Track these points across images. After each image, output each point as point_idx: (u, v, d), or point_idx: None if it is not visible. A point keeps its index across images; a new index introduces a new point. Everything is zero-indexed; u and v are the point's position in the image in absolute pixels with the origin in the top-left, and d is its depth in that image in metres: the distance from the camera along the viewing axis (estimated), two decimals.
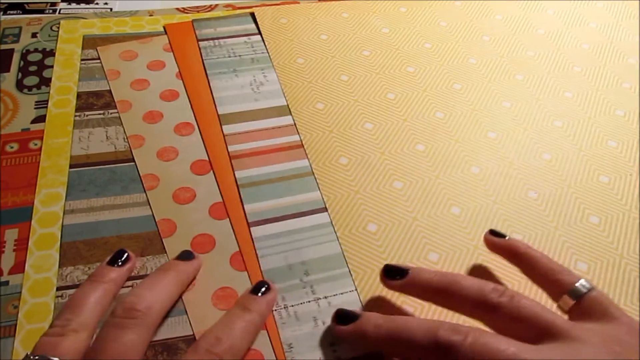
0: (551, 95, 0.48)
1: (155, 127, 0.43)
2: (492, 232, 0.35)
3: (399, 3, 0.56)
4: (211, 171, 0.41)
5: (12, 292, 0.34)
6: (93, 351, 0.28)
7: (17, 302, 0.33)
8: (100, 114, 0.44)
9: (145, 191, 0.39)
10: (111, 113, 0.44)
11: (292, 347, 0.32)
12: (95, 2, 0.56)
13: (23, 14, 0.54)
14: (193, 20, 0.52)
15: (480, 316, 0.29)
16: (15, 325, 0.32)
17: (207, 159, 0.41)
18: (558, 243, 0.38)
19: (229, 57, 0.48)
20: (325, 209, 0.38)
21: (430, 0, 0.56)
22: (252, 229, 0.37)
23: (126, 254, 0.34)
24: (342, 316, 0.31)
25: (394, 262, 0.36)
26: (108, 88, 0.46)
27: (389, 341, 0.29)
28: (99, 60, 0.48)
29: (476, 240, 0.37)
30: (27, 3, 0.55)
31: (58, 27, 0.51)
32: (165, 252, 0.36)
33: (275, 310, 0.33)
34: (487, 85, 0.48)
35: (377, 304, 0.34)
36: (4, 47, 0.49)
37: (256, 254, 0.36)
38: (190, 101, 0.45)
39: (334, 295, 0.34)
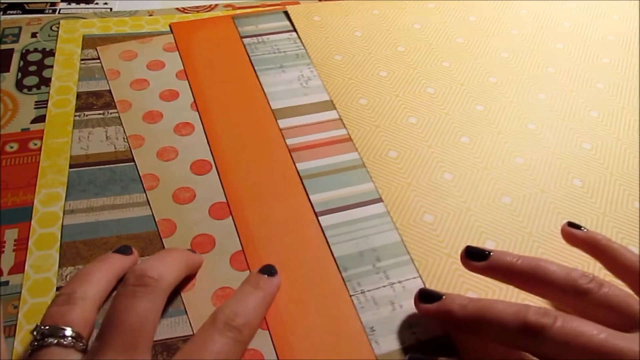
0: (584, 86, 0.50)
1: (155, 127, 0.43)
2: (570, 224, 0.35)
3: None
4: (211, 171, 0.41)
5: (12, 292, 0.34)
6: (108, 322, 0.28)
7: (17, 302, 0.33)
8: (100, 113, 0.44)
9: (145, 191, 0.39)
10: (111, 113, 0.44)
11: (373, 330, 0.33)
12: (95, 2, 0.56)
13: (23, 13, 0.54)
14: (234, 17, 0.52)
15: (568, 301, 0.29)
16: (15, 325, 0.32)
17: (207, 159, 0.41)
18: (607, 228, 0.39)
19: (274, 53, 0.49)
20: (380, 200, 0.39)
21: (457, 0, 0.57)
22: (320, 218, 0.38)
23: (131, 249, 0.34)
24: (426, 295, 0.31)
25: (453, 251, 0.36)
26: (108, 88, 0.46)
27: (474, 321, 0.29)
28: (98, 60, 0.48)
29: (529, 228, 0.38)
30: (27, 3, 0.55)
31: (58, 27, 0.51)
32: None
33: (353, 295, 0.34)
34: (521, 77, 0.50)
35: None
36: (3, 47, 0.49)
37: (327, 242, 0.37)
38: (195, 99, 0.45)
39: (407, 280, 0.35)
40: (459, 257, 0.33)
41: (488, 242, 0.37)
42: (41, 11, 0.54)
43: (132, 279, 0.29)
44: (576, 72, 0.51)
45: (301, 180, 0.40)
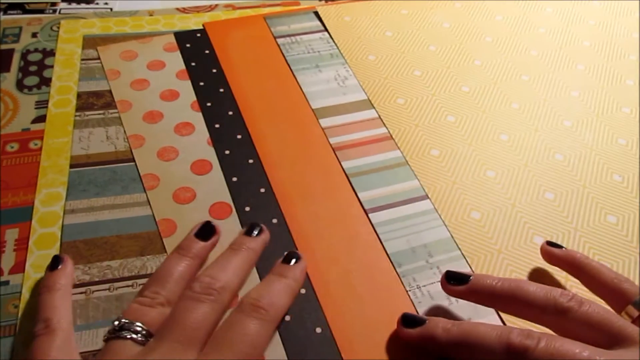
0: (614, 84, 0.50)
1: (156, 127, 0.43)
2: (550, 243, 0.35)
3: None
4: (212, 171, 0.41)
5: (12, 291, 0.34)
6: (171, 319, 0.29)
7: (17, 301, 0.33)
8: (100, 113, 0.44)
9: (145, 191, 0.39)
10: (111, 113, 0.44)
11: None
12: (96, 2, 0.56)
13: (23, 13, 0.54)
14: (266, 17, 0.53)
15: (548, 321, 0.29)
16: (16, 324, 0.32)
17: (208, 159, 0.41)
18: None
19: (309, 53, 0.50)
20: (426, 197, 0.40)
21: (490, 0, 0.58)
22: (370, 215, 0.38)
23: (213, 228, 0.35)
24: (409, 320, 0.31)
25: (504, 247, 0.37)
26: (108, 88, 0.46)
27: (458, 345, 0.29)
28: (99, 60, 0.48)
29: (575, 223, 0.39)
30: (27, 3, 0.55)
31: (58, 27, 0.51)
32: (166, 252, 0.36)
33: (410, 290, 0.35)
34: (552, 75, 0.50)
35: None
36: (4, 47, 0.50)
37: (379, 238, 0.37)
38: (233, 95, 0.46)
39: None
40: (441, 279, 0.33)
41: (536, 237, 0.38)
42: (41, 11, 0.54)
43: (198, 287, 0.30)
44: (605, 69, 0.51)
45: (347, 178, 0.40)
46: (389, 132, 0.44)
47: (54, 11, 0.54)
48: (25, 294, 0.33)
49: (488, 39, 0.53)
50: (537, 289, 0.29)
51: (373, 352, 0.32)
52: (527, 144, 0.44)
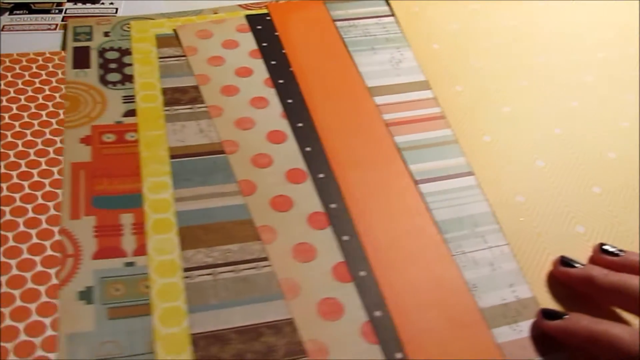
0: None
1: (232, 99, 0.46)
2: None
3: None
4: (287, 141, 0.44)
5: (140, 272, 0.35)
6: None
7: (146, 282, 0.35)
8: (188, 108, 0.46)
9: (225, 155, 0.42)
10: (199, 108, 0.46)
11: (476, 287, 0.36)
12: (101, 2, 0.57)
13: (29, 14, 0.55)
14: (325, 2, 0.56)
15: None
16: (149, 304, 0.34)
17: (282, 130, 0.45)
18: None
19: (365, 36, 0.52)
20: (471, 173, 0.42)
21: (558, 0, 0.60)
22: (419, 185, 0.41)
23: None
24: (548, 313, 0.34)
25: (544, 231, 0.39)
26: (192, 84, 0.48)
27: (593, 342, 0.31)
28: (176, 58, 0.50)
29: (619, 218, 0.41)
30: (34, 3, 0.56)
31: (128, 27, 0.53)
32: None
33: (455, 255, 0.37)
34: (615, 77, 0.52)
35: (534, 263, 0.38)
36: (79, 44, 0.51)
37: (427, 207, 0.40)
38: (294, 73, 0.49)
39: (505, 244, 0.38)
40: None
41: (579, 226, 0.40)
42: (47, 11, 0.55)
43: None
44: None
45: (399, 151, 0.43)
46: (442, 111, 0.47)
47: (60, 11, 0.55)
48: (153, 275, 0.35)
49: (554, 38, 0.55)
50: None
51: (418, 310, 0.35)
52: (580, 140, 0.46)
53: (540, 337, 0.34)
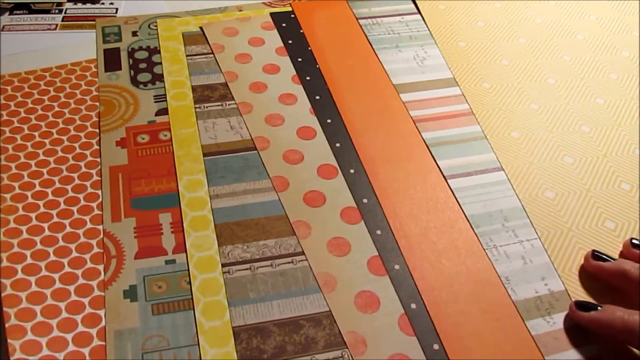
0: None
1: (261, 96, 0.47)
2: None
3: None
4: (316, 136, 0.44)
5: (181, 269, 0.36)
6: None
7: (187, 278, 0.36)
8: (218, 104, 0.46)
9: (258, 151, 0.43)
10: (229, 105, 0.46)
11: (508, 280, 0.37)
12: (101, 2, 0.57)
13: (29, 14, 0.55)
14: (349, 1, 0.56)
15: None
16: (191, 299, 0.35)
17: (311, 126, 0.45)
18: None
19: (389, 34, 0.53)
20: (500, 169, 0.43)
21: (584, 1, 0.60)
22: (449, 181, 0.42)
23: None
24: (582, 305, 0.34)
25: (574, 226, 0.40)
26: (220, 81, 0.48)
27: (628, 333, 0.31)
28: (204, 56, 0.51)
29: None
30: (33, 3, 0.56)
31: (155, 26, 0.54)
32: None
33: (487, 249, 0.38)
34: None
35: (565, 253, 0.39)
36: (109, 46, 0.52)
37: (457, 202, 0.41)
38: (320, 69, 0.50)
39: (535, 239, 0.39)
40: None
41: (608, 222, 0.40)
42: (48, 11, 0.56)
43: None
44: None
45: (427, 147, 0.44)
46: (470, 108, 0.47)
47: (60, 11, 0.56)
48: (193, 271, 0.36)
49: (580, 36, 0.55)
50: None
51: (453, 303, 0.35)
52: (608, 137, 0.46)
53: (574, 329, 0.34)
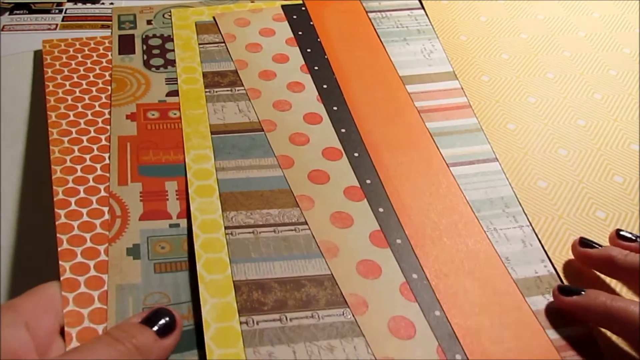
0: None
1: (270, 83, 0.48)
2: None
3: None
4: (323, 122, 0.45)
5: (184, 233, 0.37)
6: None
7: (190, 240, 0.36)
8: (228, 90, 0.47)
9: (265, 133, 0.43)
10: (238, 90, 0.48)
11: (508, 260, 0.37)
12: (101, 2, 0.59)
13: (29, 14, 0.56)
14: None
15: None
16: (187, 261, 0.35)
17: (318, 112, 0.46)
18: None
19: (397, 27, 0.54)
20: (495, 160, 0.44)
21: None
22: (452, 168, 0.43)
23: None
24: (565, 289, 0.34)
25: (565, 213, 0.40)
26: (231, 69, 0.50)
27: (610, 319, 0.31)
28: (216, 45, 0.52)
29: None
30: (34, 3, 0.57)
31: (169, 15, 0.55)
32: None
33: (487, 231, 0.38)
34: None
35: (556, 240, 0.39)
36: (124, 32, 0.53)
37: (459, 188, 0.41)
38: (329, 61, 0.51)
39: (527, 225, 0.39)
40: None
41: (599, 212, 0.41)
42: (47, 11, 0.57)
43: None
44: None
45: (431, 136, 0.45)
46: (468, 101, 0.48)
47: (60, 11, 0.57)
48: (196, 231, 0.36)
49: (581, 33, 0.57)
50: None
51: (454, 276, 0.36)
52: (603, 132, 0.47)
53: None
